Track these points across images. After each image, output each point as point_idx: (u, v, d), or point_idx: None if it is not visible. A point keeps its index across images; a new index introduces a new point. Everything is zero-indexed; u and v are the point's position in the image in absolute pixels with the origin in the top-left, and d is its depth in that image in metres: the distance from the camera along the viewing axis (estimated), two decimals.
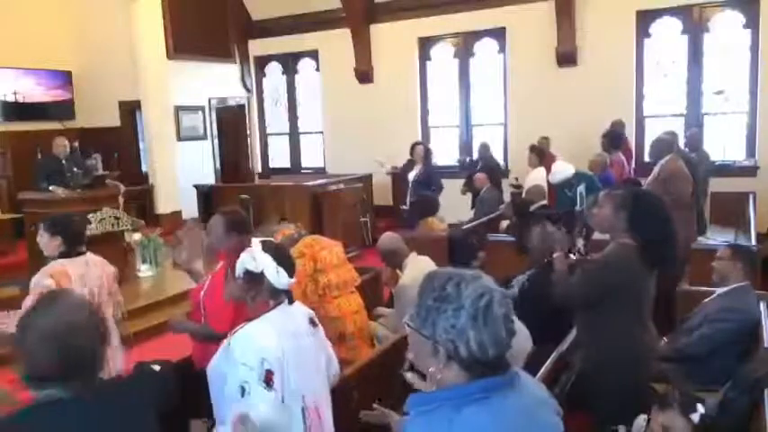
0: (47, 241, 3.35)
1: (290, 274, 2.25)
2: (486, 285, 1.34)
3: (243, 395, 2.07)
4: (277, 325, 2.16)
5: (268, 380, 2.03)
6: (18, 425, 1.54)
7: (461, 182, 8.49)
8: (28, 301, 3.07)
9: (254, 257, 2.21)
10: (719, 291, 3.49)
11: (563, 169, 6.40)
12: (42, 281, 3.17)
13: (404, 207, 7.37)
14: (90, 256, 3.45)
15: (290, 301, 2.28)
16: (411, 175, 7.43)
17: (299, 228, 3.81)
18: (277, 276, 2.19)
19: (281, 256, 2.26)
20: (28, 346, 1.53)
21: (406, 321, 1.38)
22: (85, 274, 3.32)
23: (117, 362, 3.35)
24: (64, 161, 6.98)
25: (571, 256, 3.28)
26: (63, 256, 3.32)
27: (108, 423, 1.60)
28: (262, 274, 2.18)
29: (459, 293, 1.30)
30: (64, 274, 3.21)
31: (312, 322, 2.33)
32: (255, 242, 2.30)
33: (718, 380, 3.15)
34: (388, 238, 4.15)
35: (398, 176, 8.31)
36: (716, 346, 3.30)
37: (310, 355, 2.26)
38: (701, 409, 2.28)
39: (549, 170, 7.32)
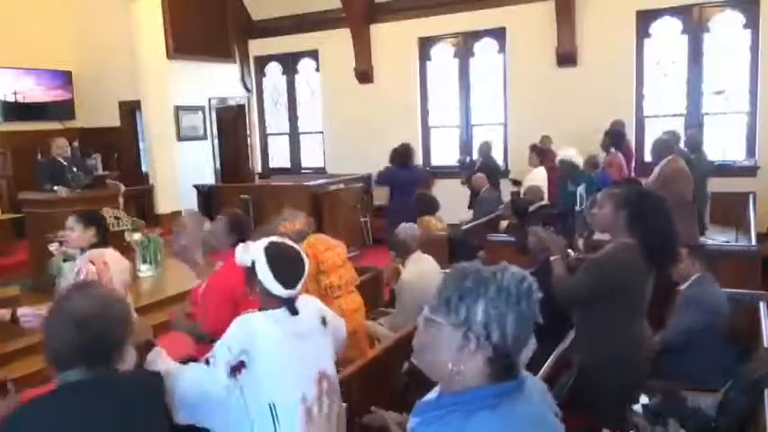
0: (79, 233, 3.42)
1: (287, 285, 2.10)
2: (522, 271, 1.31)
3: (206, 364, 2.04)
4: (282, 324, 2.09)
5: (235, 369, 1.99)
6: (40, 407, 1.58)
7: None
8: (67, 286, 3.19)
9: (247, 249, 2.17)
10: (683, 286, 3.65)
11: (572, 153, 6.43)
12: (86, 266, 3.27)
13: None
14: (112, 249, 3.53)
15: (293, 312, 2.12)
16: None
17: (307, 220, 3.75)
18: (267, 279, 2.09)
19: (281, 263, 2.12)
20: (54, 329, 1.62)
21: (426, 315, 1.32)
22: (117, 265, 3.43)
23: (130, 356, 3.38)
24: (64, 162, 6.99)
25: (570, 252, 3.28)
26: (94, 247, 3.41)
27: (126, 408, 1.65)
28: (253, 268, 2.13)
29: (499, 277, 1.27)
30: (103, 262, 3.31)
31: (323, 321, 2.27)
32: (263, 240, 2.21)
33: (713, 378, 3.21)
34: (406, 228, 4.29)
35: None
36: (692, 336, 3.41)
37: (320, 353, 2.21)
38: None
39: (549, 170, 7.36)
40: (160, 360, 2.16)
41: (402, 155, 7.14)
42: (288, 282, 2.10)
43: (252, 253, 2.15)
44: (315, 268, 3.47)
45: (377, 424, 2.32)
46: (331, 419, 1.28)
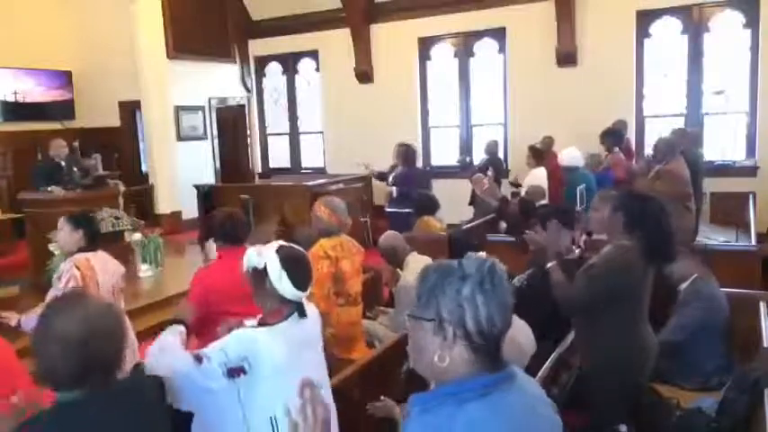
0: (67, 235, 3.35)
1: (300, 287, 2.11)
2: (484, 257, 1.38)
3: (197, 361, 2.00)
4: (286, 337, 2.06)
5: (233, 372, 1.97)
6: (42, 426, 1.54)
7: (461, 182, 8.52)
8: (53, 293, 3.18)
9: (259, 252, 2.14)
10: (683, 285, 3.65)
11: (573, 153, 6.43)
12: (70, 270, 3.21)
13: (388, 210, 7.18)
14: (102, 253, 3.46)
15: (302, 315, 2.14)
16: (391, 176, 7.30)
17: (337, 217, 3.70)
18: (279, 281, 2.07)
19: (294, 264, 2.11)
20: (48, 351, 1.52)
21: (407, 314, 1.38)
22: (105, 270, 3.36)
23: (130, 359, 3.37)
24: (63, 163, 6.98)
25: (574, 248, 3.28)
26: (82, 251, 3.35)
27: (129, 420, 1.61)
28: (264, 271, 2.10)
29: (462, 265, 1.34)
30: (89, 267, 3.25)
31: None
32: (273, 244, 2.18)
33: (713, 378, 3.27)
34: (389, 237, 4.23)
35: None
36: (692, 332, 3.42)
37: (317, 363, 2.21)
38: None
39: (549, 170, 7.35)
40: (169, 351, 2.15)
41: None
42: (300, 284, 2.11)
43: (264, 256, 2.13)
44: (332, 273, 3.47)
45: (384, 413, 2.36)
46: (318, 427, 1.30)
